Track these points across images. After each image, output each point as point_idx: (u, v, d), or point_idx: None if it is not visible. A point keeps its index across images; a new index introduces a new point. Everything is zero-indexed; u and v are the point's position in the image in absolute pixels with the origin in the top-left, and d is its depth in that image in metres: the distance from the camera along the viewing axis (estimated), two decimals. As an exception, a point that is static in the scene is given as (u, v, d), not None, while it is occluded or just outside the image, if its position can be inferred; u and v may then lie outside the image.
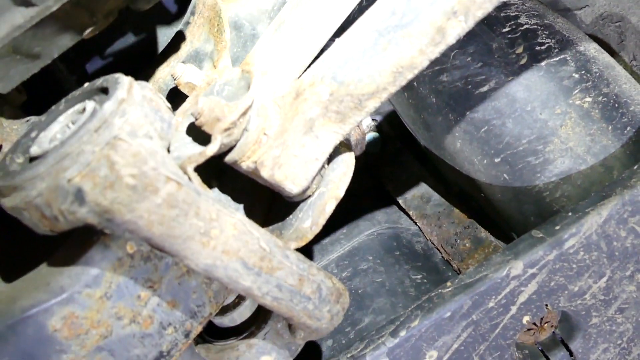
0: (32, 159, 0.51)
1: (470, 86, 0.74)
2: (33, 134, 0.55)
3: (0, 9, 0.48)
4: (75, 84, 0.85)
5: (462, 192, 0.88)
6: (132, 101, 0.50)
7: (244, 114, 0.54)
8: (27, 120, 0.63)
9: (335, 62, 0.55)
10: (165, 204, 0.47)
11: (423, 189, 0.93)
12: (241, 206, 0.63)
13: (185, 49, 0.79)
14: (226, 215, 0.50)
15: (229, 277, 0.51)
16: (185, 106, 0.66)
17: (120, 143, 0.46)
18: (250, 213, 0.64)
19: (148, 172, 0.46)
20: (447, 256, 0.85)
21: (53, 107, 0.58)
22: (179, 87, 0.71)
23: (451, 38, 0.52)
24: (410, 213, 0.91)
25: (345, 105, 0.55)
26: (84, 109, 0.53)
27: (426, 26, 0.51)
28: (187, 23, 0.81)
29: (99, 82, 0.56)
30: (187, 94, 0.72)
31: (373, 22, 0.53)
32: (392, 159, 0.98)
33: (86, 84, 0.58)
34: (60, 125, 0.53)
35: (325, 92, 0.55)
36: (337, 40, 0.56)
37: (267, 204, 0.66)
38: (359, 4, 0.62)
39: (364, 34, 0.53)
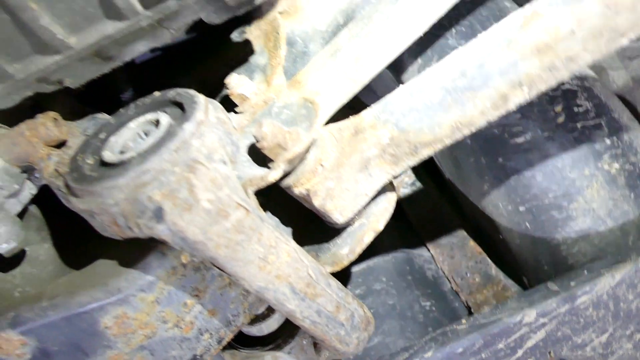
0: (104, 164, 0.53)
1: (507, 134, 0.78)
2: (102, 135, 0.58)
3: (93, 18, 0.50)
4: (124, 77, 0.87)
5: (478, 227, 0.92)
6: (208, 123, 0.53)
7: (308, 147, 0.58)
8: (90, 117, 0.65)
9: (400, 110, 0.58)
10: (234, 229, 0.50)
11: (440, 217, 0.97)
12: (289, 229, 0.66)
13: (237, 55, 0.81)
14: (283, 243, 0.54)
15: (277, 300, 0.55)
16: (242, 121, 0.68)
17: (200, 167, 0.49)
18: (293, 232, 0.67)
19: (222, 198, 0.49)
20: (456, 287, 0.90)
21: (122, 110, 0.61)
22: (230, 96, 0.74)
23: (512, 105, 0.55)
24: (425, 240, 0.95)
25: (401, 150, 0.59)
26: (157, 121, 0.55)
27: (492, 92, 0.54)
28: (242, 32, 0.83)
29: (171, 94, 0.58)
30: (238, 104, 0.75)
31: (442, 79, 0.56)
32: (412, 183, 1.02)
33: (157, 93, 0.60)
34: (131, 133, 0.56)
35: (385, 137, 0.58)
36: (403, 87, 0.59)
37: (305, 223, 0.69)
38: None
39: (432, 88, 0.56)
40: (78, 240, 0.64)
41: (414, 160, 0.60)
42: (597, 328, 0.72)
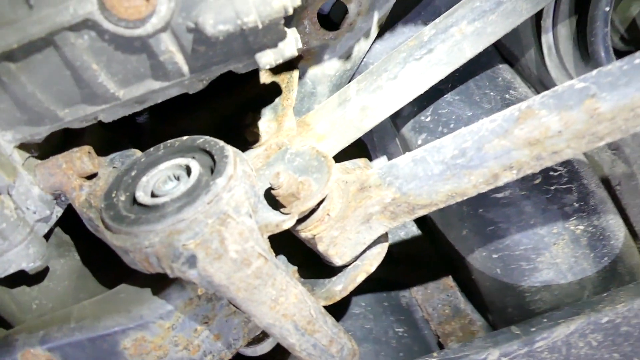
0: (138, 203, 0.59)
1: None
2: (133, 173, 0.63)
3: (142, 77, 0.56)
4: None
5: (452, 264, 1.01)
6: (237, 177, 0.59)
7: (321, 202, 0.65)
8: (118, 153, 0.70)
9: (404, 176, 0.65)
10: (253, 275, 0.56)
11: (417, 249, 1.05)
12: (295, 268, 0.73)
13: (250, 91, 0.87)
14: (292, 287, 0.61)
15: (281, 334, 0.62)
16: (256, 162, 0.75)
17: (230, 221, 0.55)
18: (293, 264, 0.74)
19: (247, 249, 0.55)
20: (427, 316, 0.99)
21: (152, 150, 0.66)
22: (245, 134, 0.80)
23: (501, 182, 0.63)
24: (403, 270, 1.03)
25: (401, 209, 0.66)
26: (188, 167, 0.61)
27: (486, 171, 0.62)
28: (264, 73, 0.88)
29: (201, 141, 0.64)
30: (249, 139, 0.81)
31: (444, 155, 0.63)
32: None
33: (186, 138, 0.66)
34: (162, 175, 0.62)
35: (389, 197, 0.65)
36: (409, 155, 0.67)
37: (306, 259, 0.76)
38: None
39: (434, 161, 0.64)
40: (97, 262, 0.69)
41: (410, 218, 0.68)
42: (549, 369, 0.82)
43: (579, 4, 0.93)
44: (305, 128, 0.83)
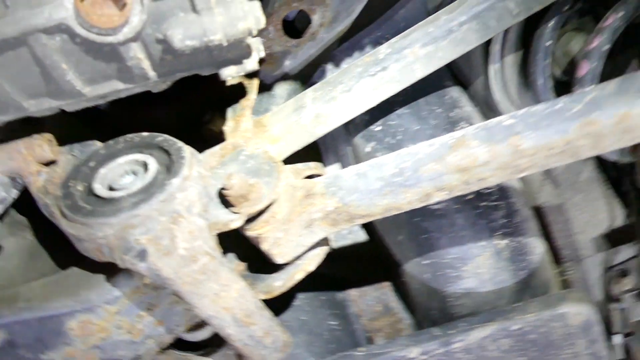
0: (95, 195, 0.62)
1: (425, 200, 0.93)
2: (92, 164, 0.67)
3: (109, 78, 0.59)
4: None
5: (388, 264, 1.08)
6: (191, 178, 0.63)
7: (269, 205, 0.69)
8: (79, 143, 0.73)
9: (347, 188, 0.71)
10: (199, 271, 0.61)
11: (358, 248, 1.12)
12: (243, 264, 0.78)
13: (214, 88, 0.90)
14: (234, 283, 0.66)
15: (220, 325, 0.67)
16: (211, 161, 0.78)
17: (181, 220, 0.59)
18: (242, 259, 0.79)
19: (196, 247, 0.60)
20: (360, 312, 1.06)
21: (111, 142, 0.69)
22: (204, 131, 0.84)
23: (433, 201, 0.70)
24: (342, 265, 1.10)
25: (341, 218, 0.72)
26: (145, 164, 0.65)
27: (420, 191, 0.68)
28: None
29: (160, 139, 0.68)
30: (206, 136, 0.85)
31: (383, 172, 0.69)
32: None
33: (146, 134, 0.69)
34: (120, 170, 0.65)
35: (331, 206, 0.71)
36: (353, 168, 0.72)
37: (252, 255, 0.81)
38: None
39: (374, 177, 0.70)
40: (49, 243, 0.72)
41: (349, 225, 0.74)
42: (463, 367, 0.90)
43: (525, 35, 1.00)
44: (261, 129, 0.87)
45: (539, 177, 1.15)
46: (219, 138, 0.84)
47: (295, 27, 0.93)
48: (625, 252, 1.21)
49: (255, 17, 0.55)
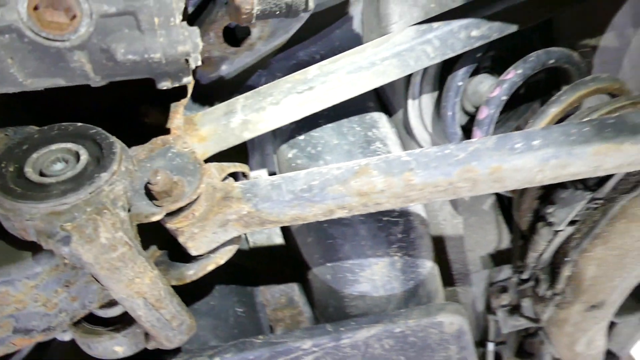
0: (25, 177, 0.67)
1: (335, 209, 1.03)
2: (25, 147, 0.71)
3: (53, 74, 0.64)
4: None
5: (296, 261, 1.18)
6: (119, 174, 0.69)
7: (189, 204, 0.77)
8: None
9: (261, 196, 0.79)
10: (117, 259, 0.68)
11: (273, 241, 1.21)
12: (161, 252, 0.85)
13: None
14: (149, 271, 0.73)
15: (131, 307, 0.74)
16: (140, 153, 0.84)
17: (106, 212, 0.66)
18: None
19: (117, 237, 0.67)
20: (266, 302, 1.15)
21: (46, 128, 0.74)
22: (140, 122, 0.89)
23: (335, 216, 0.80)
24: (255, 257, 1.19)
25: (253, 221, 0.80)
26: (77, 154, 0.70)
27: (324, 207, 0.78)
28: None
29: (93, 132, 0.73)
30: (139, 129, 0.90)
31: (295, 187, 0.78)
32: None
33: (80, 125, 0.75)
34: (52, 156, 0.70)
35: (245, 210, 0.79)
36: (269, 179, 0.81)
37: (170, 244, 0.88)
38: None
39: (286, 190, 0.78)
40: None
41: (260, 228, 0.82)
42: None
43: (443, 72, 1.12)
44: (191, 127, 0.94)
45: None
46: (151, 130, 0.89)
47: (235, 35, 1.00)
48: (506, 271, 1.37)
49: (194, 43, 0.62)
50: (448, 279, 1.37)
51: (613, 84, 0.90)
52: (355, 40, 1.15)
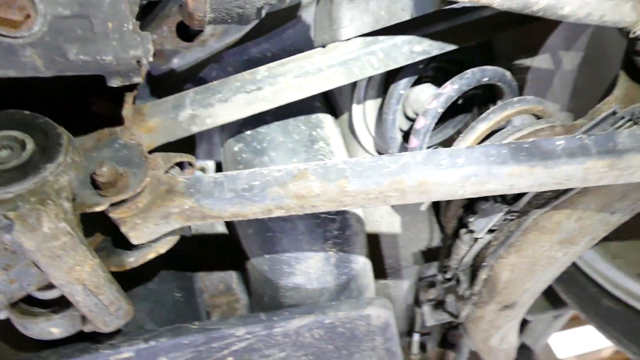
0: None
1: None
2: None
3: (2, 67, 0.65)
4: None
5: (237, 250, 1.22)
6: (65, 165, 0.72)
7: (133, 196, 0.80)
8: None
9: (203, 192, 0.83)
10: (59, 247, 0.70)
11: (215, 229, 1.25)
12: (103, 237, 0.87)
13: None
14: (89, 259, 0.76)
15: (70, 293, 0.77)
16: (87, 143, 0.86)
17: (50, 202, 0.68)
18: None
19: (59, 227, 0.69)
20: (204, 288, 1.19)
21: (-7, 113, 0.75)
22: (85, 107, 0.91)
23: (274, 215, 0.84)
24: (197, 243, 1.22)
25: (195, 215, 0.84)
26: (23, 142, 0.72)
27: (264, 206, 0.82)
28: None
29: (41, 121, 0.75)
30: (87, 117, 0.92)
31: (236, 185, 0.82)
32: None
33: (28, 113, 0.76)
34: (-2, 143, 0.72)
35: (187, 205, 0.83)
36: (212, 176, 0.84)
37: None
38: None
39: (228, 188, 0.82)
40: None
41: (202, 222, 0.86)
42: (279, 349, 1.08)
43: (388, 80, 1.17)
44: (139, 117, 0.96)
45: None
46: (100, 119, 0.91)
47: (188, 31, 1.02)
48: (435, 267, 1.46)
49: (145, 48, 0.65)
50: (381, 272, 1.45)
51: (537, 106, 0.98)
52: (306, 41, 1.19)
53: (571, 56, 1.19)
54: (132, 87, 0.92)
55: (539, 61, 1.21)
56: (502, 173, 0.76)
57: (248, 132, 1.13)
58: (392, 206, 1.37)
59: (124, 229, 0.83)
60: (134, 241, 0.85)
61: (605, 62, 1.14)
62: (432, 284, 1.44)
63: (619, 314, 1.07)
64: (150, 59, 0.72)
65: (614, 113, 0.86)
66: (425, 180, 0.78)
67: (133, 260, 0.88)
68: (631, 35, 0.85)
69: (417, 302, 1.49)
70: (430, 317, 1.36)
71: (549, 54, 1.23)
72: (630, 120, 0.83)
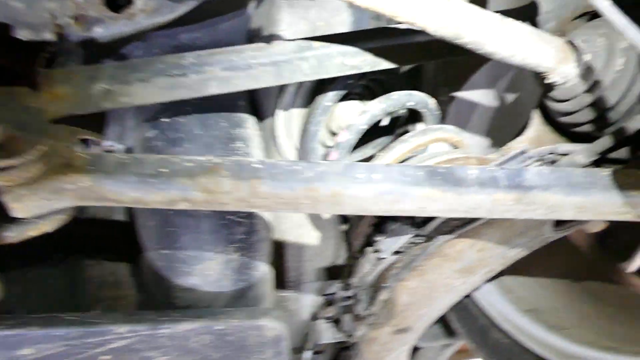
0: None
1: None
2: None
3: None
4: None
5: (134, 241, 1.15)
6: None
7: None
8: None
9: (104, 171, 0.76)
10: None
11: (113, 216, 1.17)
12: None
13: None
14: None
15: None
16: None
17: None
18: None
19: None
20: (91, 278, 1.11)
21: None
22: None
23: (177, 207, 0.79)
24: (88, 230, 1.14)
25: (90, 196, 0.78)
26: None
27: (167, 195, 0.77)
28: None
29: None
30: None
31: (142, 170, 0.77)
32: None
33: None
34: None
35: (84, 183, 0.76)
36: (115, 156, 0.78)
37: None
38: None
39: (132, 172, 0.76)
40: None
41: (97, 204, 0.79)
42: (162, 352, 1.01)
43: (317, 90, 1.16)
44: (48, 82, 0.88)
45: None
46: (6, 76, 0.83)
47: (117, 1, 0.96)
48: (336, 286, 1.45)
49: (64, 4, 0.59)
50: (282, 284, 1.42)
51: (455, 136, 1.00)
52: (240, 37, 1.15)
53: (492, 95, 1.24)
54: (44, 46, 0.84)
55: (462, 96, 1.25)
56: (416, 194, 0.76)
57: (165, 120, 1.07)
58: (302, 219, 1.35)
59: (5, 198, 0.75)
60: (16, 213, 0.77)
61: (522, 106, 1.20)
62: (331, 302, 1.43)
63: (505, 348, 1.11)
64: (70, 20, 0.66)
65: (523, 152, 0.89)
66: (340, 192, 0.77)
67: (13, 235, 0.80)
68: (546, 81, 0.89)
69: (314, 319, 1.47)
70: (324, 335, 1.35)
71: (472, 91, 1.27)
72: (538, 160, 0.87)
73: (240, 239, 1.07)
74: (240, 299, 1.09)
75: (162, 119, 1.07)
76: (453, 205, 0.78)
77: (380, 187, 0.77)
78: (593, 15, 0.93)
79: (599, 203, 0.79)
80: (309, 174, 0.77)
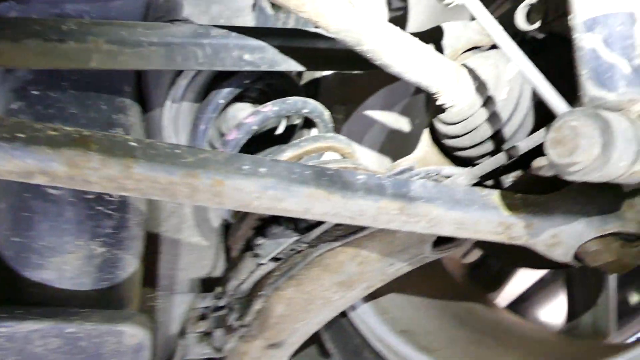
0: None
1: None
2: None
3: None
4: None
5: None
6: None
7: None
8: None
9: None
10: None
11: None
12: None
13: None
14: None
15: None
16: None
17: None
18: None
19: None
20: None
21: None
22: None
23: (34, 181, 0.69)
24: None
25: None
26: None
27: (24, 165, 0.67)
28: None
29: None
30: None
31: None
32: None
33: None
34: None
35: None
36: None
37: None
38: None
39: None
40: None
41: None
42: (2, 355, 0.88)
43: (210, 87, 1.11)
44: None
45: (170, 208, 1.24)
46: None
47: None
48: (210, 299, 1.37)
49: None
50: (151, 292, 1.31)
51: (346, 147, 0.99)
52: (134, 17, 1.07)
53: (386, 118, 1.26)
54: None
55: (357, 114, 1.26)
56: (301, 193, 0.73)
57: (35, 92, 0.96)
58: (181, 224, 1.27)
59: None
60: None
61: (413, 132, 1.23)
62: (202, 317, 1.35)
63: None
64: None
65: (410, 169, 0.90)
66: (222, 182, 0.71)
67: None
68: (437, 102, 0.91)
69: (183, 333, 1.37)
70: (192, 350, 1.25)
71: (367, 111, 1.29)
72: (423, 178, 0.88)
73: (108, 234, 0.97)
74: (101, 300, 0.98)
75: (32, 90, 0.96)
76: (338, 209, 0.75)
77: (264, 181, 0.72)
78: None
79: (476, 221, 0.81)
80: (190, 158, 0.71)
